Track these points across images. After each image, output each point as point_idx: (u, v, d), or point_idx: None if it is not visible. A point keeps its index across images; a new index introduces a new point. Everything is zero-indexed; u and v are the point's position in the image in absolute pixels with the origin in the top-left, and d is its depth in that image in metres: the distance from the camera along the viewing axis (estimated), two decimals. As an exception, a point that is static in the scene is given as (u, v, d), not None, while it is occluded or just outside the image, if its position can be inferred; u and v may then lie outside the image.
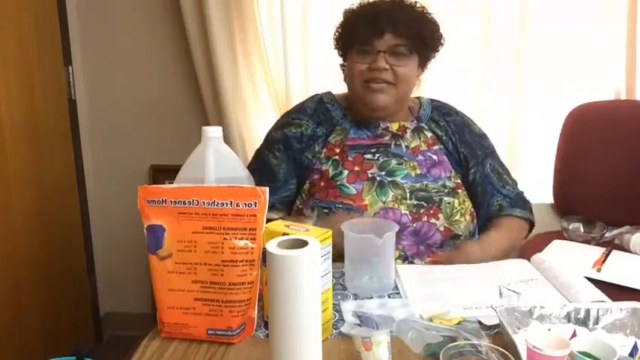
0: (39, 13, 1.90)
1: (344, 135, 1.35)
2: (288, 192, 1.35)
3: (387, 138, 1.34)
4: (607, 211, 1.81)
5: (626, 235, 1.66)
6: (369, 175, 1.29)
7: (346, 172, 1.29)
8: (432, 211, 1.27)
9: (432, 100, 1.46)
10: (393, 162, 1.31)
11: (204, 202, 0.88)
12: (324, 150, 1.34)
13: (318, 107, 1.40)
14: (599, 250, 1.59)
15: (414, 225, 1.26)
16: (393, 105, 1.31)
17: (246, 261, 0.88)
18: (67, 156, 2.08)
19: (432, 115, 1.40)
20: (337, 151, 1.33)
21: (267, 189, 0.89)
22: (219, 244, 0.88)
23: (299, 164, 1.35)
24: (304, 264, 0.71)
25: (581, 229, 1.77)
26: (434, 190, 1.29)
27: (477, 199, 1.39)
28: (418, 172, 1.31)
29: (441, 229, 1.27)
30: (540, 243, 1.68)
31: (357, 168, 1.30)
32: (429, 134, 1.37)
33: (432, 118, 1.40)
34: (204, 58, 1.99)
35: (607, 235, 1.74)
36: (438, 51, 1.36)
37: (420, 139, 1.36)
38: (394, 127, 1.35)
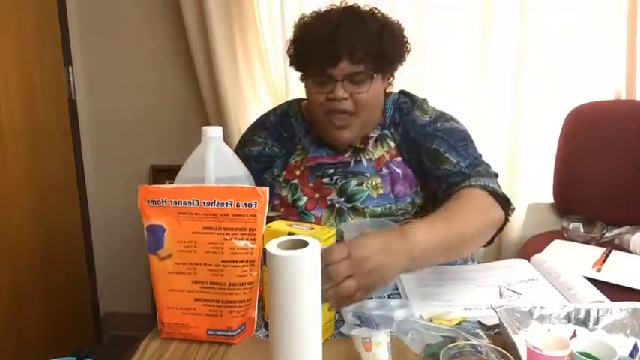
0: (39, 13, 1.90)
1: (304, 155, 1.26)
2: None
3: (348, 155, 1.24)
4: (607, 211, 1.81)
5: (626, 235, 1.66)
6: (328, 202, 1.21)
7: (305, 198, 1.22)
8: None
9: (399, 96, 1.30)
10: (353, 183, 1.21)
11: (204, 203, 0.88)
12: (284, 172, 1.27)
13: (280, 121, 1.31)
14: (599, 250, 1.59)
15: None
16: (358, 135, 1.21)
17: (246, 261, 0.88)
18: (67, 156, 2.08)
19: (394, 117, 1.26)
20: (297, 173, 1.25)
21: (267, 189, 0.89)
22: (220, 245, 0.88)
23: (259, 185, 1.28)
24: (304, 264, 0.71)
25: (581, 229, 1.77)
26: (400, 212, 1.18)
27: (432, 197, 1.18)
28: (381, 192, 1.19)
29: None
30: (540, 243, 1.68)
31: (316, 195, 1.22)
32: (392, 143, 1.24)
33: (393, 121, 1.25)
34: (204, 58, 1.99)
35: (607, 235, 1.74)
36: (404, 59, 1.23)
37: (383, 148, 1.23)
38: (357, 141, 1.24)
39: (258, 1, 1.95)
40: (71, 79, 2.08)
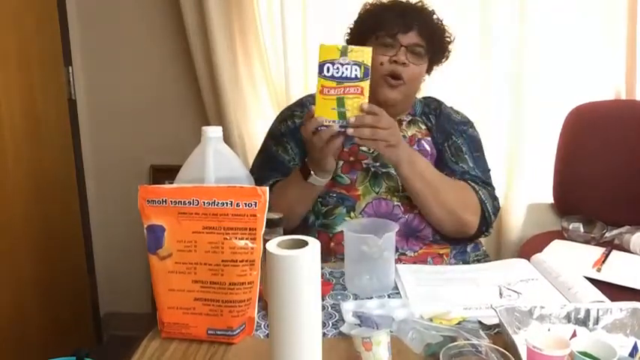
0: (39, 13, 1.90)
1: None
2: None
3: None
4: (607, 211, 1.81)
5: (626, 235, 1.66)
6: (364, 165, 1.30)
7: (341, 162, 1.29)
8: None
9: (424, 98, 1.48)
10: None
11: (204, 202, 0.88)
12: None
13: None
14: (599, 250, 1.59)
15: (406, 216, 1.27)
16: (401, 103, 1.32)
17: (246, 261, 0.88)
18: (67, 156, 2.08)
19: (424, 109, 1.42)
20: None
21: (267, 189, 0.89)
22: (220, 244, 0.88)
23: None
24: (304, 264, 0.71)
25: (581, 229, 1.77)
26: None
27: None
28: None
29: None
30: (540, 243, 1.68)
31: (352, 158, 1.31)
32: (423, 126, 1.38)
33: (424, 112, 1.42)
34: (204, 58, 1.99)
35: (607, 235, 1.74)
36: (442, 63, 1.39)
37: (415, 128, 1.37)
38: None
39: (258, 1, 1.95)
40: (71, 79, 2.08)
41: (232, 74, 1.97)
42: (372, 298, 1.04)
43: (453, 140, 1.36)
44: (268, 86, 2.03)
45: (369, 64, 1.07)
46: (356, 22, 1.37)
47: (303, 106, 1.41)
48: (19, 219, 1.78)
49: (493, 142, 1.89)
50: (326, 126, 1.08)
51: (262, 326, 0.95)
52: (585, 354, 0.73)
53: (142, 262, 2.26)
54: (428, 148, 1.35)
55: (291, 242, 0.75)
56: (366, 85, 1.08)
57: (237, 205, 0.87)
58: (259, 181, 1.27)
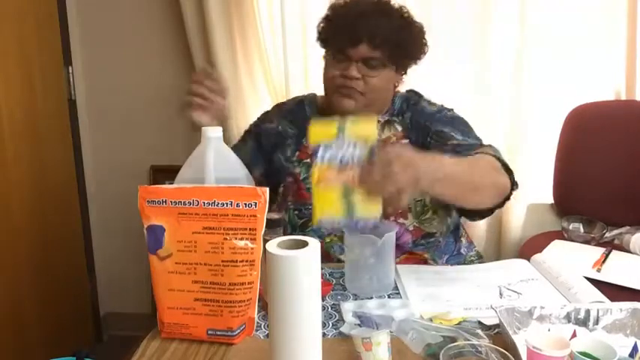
0: (39, 13, 1.90)
1: None
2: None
3: None
4: (607, 211, 1.81)
5: (626, 235, 1.66)
6: None
7: None
8: (399, 211, 1.23)
9: (407, 92, 1.39)
10: None
11: (204, 203, 0.88)
12: (297, 153, 1.34)
13: (295, 108, 1.41)
14: (599, 251, 1.59)
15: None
16: (360, 111, 1.24)
17: (246, 261, 0.88)
18: (67, 156, 2.08)
19: (402, 107, 1.35)
20: (310, 153, 1.31)
21: (268, 189, 0.89)
22: (220, 245, 0.88)
23: (269, 161, 1.36)
24: (304, 264, 0.71)
25: (581, 230, 1.77)
26: None
27: None
28: None
29: (411, 228, 1.25)
30: (540, 243, 1.68)
31: None
32: (399, 127, 1.32)
33: (401, 110, 1.34)
34: (204, 58, 1.99)
35: (607, 235, 1.74)
36: (419, 59, 1.32)
37: (390, 130, 1.32)
38: None
39: (258, 1, 1.95)
40: (71, 79, 2.08)
41: (232, 74, 1.97)
42: (372, 298, 1.04)
43: (433, 130, 1.27)
44: (268, 86, 2.03)
45: (375, 139, 0.91)
46: (317, 27, 1.33)
47: (278, 109, 1.44)
48: (19, 219, 1.78)
49: (493, 142, 1.89)
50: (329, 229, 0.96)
51: (262, 326, 0.95)
52: (585, 354, 0.73)
53: (142, 262, 2.26)
54: None
55: (291, 242, 0.75)
56: None
57: (237, 205, 0.87)
58: None
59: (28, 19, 1.83)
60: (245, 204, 0.87)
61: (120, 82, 2.17)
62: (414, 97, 1.37)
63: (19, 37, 1.79)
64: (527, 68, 1.87)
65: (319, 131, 0.93)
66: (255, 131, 1.43)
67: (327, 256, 1.25)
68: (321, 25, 1.31)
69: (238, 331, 0.90)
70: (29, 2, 1.84)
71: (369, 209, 0.89)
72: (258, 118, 1.47)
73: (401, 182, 0.86)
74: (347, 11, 1.26)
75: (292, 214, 1.30)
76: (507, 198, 1.16)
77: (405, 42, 1.25)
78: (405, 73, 1.34)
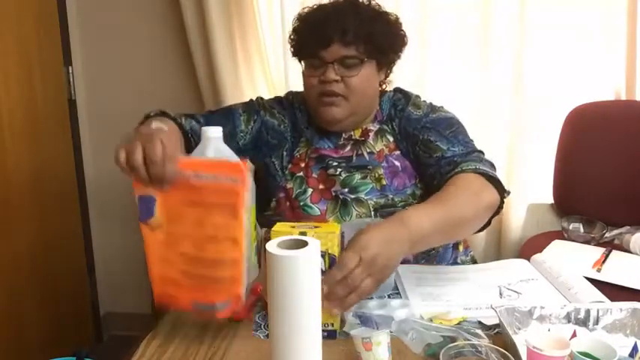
0: (39, 13, 1.90)
1: (308, 147, 1.28)
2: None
3: (348, 149, 1.26)
4: (607, 211, 1.81)
5: (626, 235, 1.66)
6: (333, 194, 1.23)
7: (310, 190, 1.24)
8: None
9: (394, 93, 1.33)
10: (357, 177, 1.23)
11: (188, 174, 0.85)
12: (290, 165, 1.28)
13: (290, 108, 1.34)
14: (599, 250, 1.59)
15: None
16: (347, 117, 1.22)
17: (228, 237, 0.85)
18: (67, 156, 2.08)
19: (390, 113, 1.29)
20: (302, 165, 1.27)
21: (251, 165, 0.86)
22: (203, 219, 0.85)
23: (264, 165, 1.29)
24: (304, 264, 0.71)
25: (581, 230, 1.78)
26: (401, 204, 1.20)
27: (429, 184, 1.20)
28: (384, 183, 1.22)
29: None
30: (540, 243, 1.68)
31: (321, 186, 1.24)
32: (391, 137, 1.27)
33: (390, 116, 1.29)
34: (204, 58, 1.99)
35: (607, 235, 1.74)
36: (399, 52, 1.26)
37: (382, 141, 1.27)
38: (357, 133, 1.27)
39: (258, 1, 1.95)
40: (71, 79, 2.08)
41: (232, 74, 1.97)
42: (372, 298, 1.04)
43: (420, 139, 1.22)
44: (268, 86, 2.03)
45: (336, 252, 0.88)
46: (289, 42, 1.28)
47: (280, 104, 1.34)
48: (19, 218, 1.78)
49: (493, 142, 1.89)
50: None
51: (262, 326, 0.95)
52: (585, 354, 0.73)
53: (142, 262, 2.26)
54: (397, 163, 1.24)
55: (291, 242, 0.75)
56: None
57: (219, 179, 0.84)
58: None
59: (28, 19, 1.83)
60: (227, 178, 0.83)
61: (120, 82, 2.17)
62: (400, 100, 1.30)
63: (19, 37, 1.79)
64: (527, 68, 1.87)
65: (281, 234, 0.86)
66: (263, 119, 1.31)
67: None
68: (291, 37, 1.26)
69: (222, 306, 0.87)
70: (29, 2, 1.84)
71: (327, 317, 0.88)
72: (257, 104, 1.34)
73: (367, 286, 0.86)
74: (313, 15, 1.22)
75: None
76: (499, 209, 1.12)
77: (379, 34, 1.18)
78: (390, 70, 1.29)
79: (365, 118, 1.27)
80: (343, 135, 1.27)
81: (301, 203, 1.23)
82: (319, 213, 1.22)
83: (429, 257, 1.24)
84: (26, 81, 1.83)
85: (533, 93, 1.89)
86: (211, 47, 1.94)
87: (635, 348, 0.83)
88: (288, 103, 1.35)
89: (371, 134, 1.27)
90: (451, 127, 1.23)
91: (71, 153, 2.10)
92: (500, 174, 1.90)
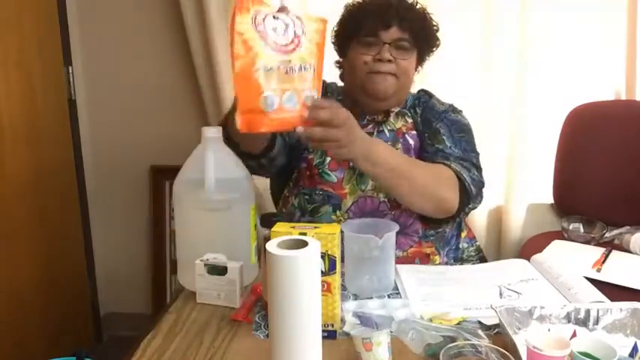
0: (39, 13, 1.90)
1: None
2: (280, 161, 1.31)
3: (370, 127, 1.34)
4: (607, 212, 1.81)
5: (626, 235, 1.66)
6: (351, 163, 1.27)
7: (329, 158, 1.30)
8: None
9: (418, 92, 1.45)
10: None
11: None
12: None
13: (331, 94, 1.41)
14: (599, 251, 1.59)
15: (393, 213, 1.27)
16: (393, 95, 1.30)
17: None
18: (67, 156, 2.08)
19: (413, 103, 1.40)
20: None
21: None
22: None
23: (290, 144, 1.32)
24: (304, 264, 0.71)
25: (581, 230, 1.77)
26: None
27: None
28: None
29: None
30: (540, 243, 1.68)
31: None
32: (410, 120, 1.36)
33: (413, 105, 1.40)
34: (204, 58, 1.99)
35: (607, 235, 1.74)
36: (434, 52, 1.38)
37: (401, 121, 1.36)
38: (380, 116, 1.35)
39: (258, 1, 1.95)
40: (71, 79, 2.08)
41: (232, 74, 1.97)
42: (372, 298, 1.04)
43: (433, 127, 1.34)
44: (268, 86, 2.03)
45: (336, 254, 0.89)
46: (338, 24, 1.37)
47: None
48: (19, 219, 1.78)
49: (493, 142, 1.89)
50: None
51: (262, 326, 0.95)
52: (585, 354, 0.73)
53: (142, 262, 2.26)
54: (412, 142, 1.33)
55: (291, 242, 0.75)
56: (333, 280, 0.89)
57: None
58: None
59: (28, 19, 1.83)
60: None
61: (120, 82, 2.17)
62: (424, 95, 1.42)
63: (19, 37, 1.79)
64: (527, 68, 1.87)
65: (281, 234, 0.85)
66: None
67: None
68: (344, 16, 1.35)
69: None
70: (29, 3, 1.84)
71: (327, 317, 0.90)
72: None
73: (335, 135, 0.98)
74: (375, 2, 1.31)
75: (302, 199, 1.30)
76: (455, 216, 1.24)
77: (427, 27, 1.33)
78: (421, 67, 1.39)
79: (397, 104, 1.35)
80: (367, 117, 1.34)
81: (319, 170, 1.30)
82: (335, 180, 1.29)
83: (437, 235, 1.30)
84: (26, 81, 1.83)
85: (533, 93, 1.89)
86: (211, 47, 1.94)
87: (635, 348, 0.84)
88: (330, 90, 1.43)
89: (392, 114, 1.35)
90: (461, 132, 1.34)
91: (71, 153, 2.10)
92: (501, 174, 1.93)
